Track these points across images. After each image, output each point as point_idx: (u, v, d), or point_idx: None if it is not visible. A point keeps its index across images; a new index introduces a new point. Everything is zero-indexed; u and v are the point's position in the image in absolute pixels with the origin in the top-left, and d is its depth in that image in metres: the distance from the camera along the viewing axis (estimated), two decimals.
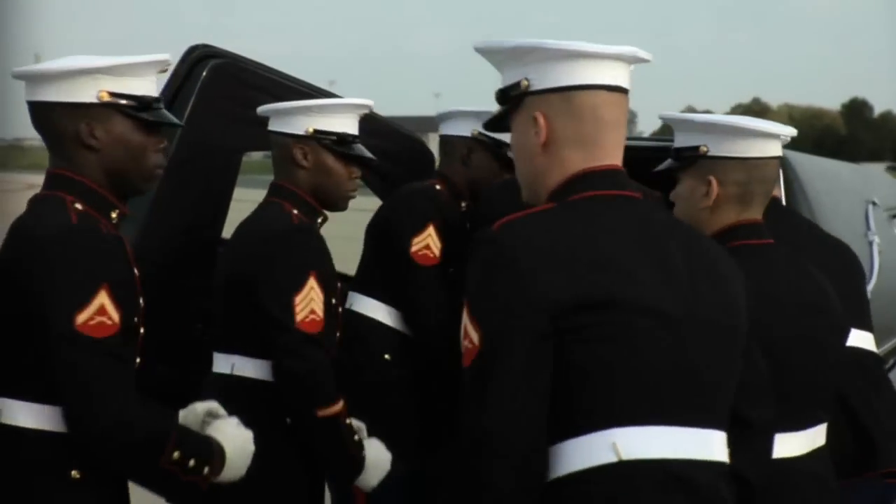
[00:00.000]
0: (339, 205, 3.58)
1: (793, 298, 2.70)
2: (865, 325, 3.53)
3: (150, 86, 2.77)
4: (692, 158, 2.79)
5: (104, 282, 2.57)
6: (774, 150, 2.79)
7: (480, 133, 4.08)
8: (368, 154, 3.56)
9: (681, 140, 2.83)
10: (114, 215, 2.74)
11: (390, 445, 3.60)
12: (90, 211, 2.69)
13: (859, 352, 3.49)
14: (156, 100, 2.76)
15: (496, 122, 2.26)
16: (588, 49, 2.09)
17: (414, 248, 3.95)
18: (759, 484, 2.25)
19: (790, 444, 2.65)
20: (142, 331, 2.75)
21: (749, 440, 2.22)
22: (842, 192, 4.75)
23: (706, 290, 2.08)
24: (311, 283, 3.29)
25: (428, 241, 3.97)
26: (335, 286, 3.46)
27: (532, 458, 1.96)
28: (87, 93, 2.69)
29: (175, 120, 2.91)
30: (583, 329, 1.95)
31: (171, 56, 2.88)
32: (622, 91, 2.13)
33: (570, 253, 1.98)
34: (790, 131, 2.99)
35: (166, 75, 3.50)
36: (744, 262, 2.59)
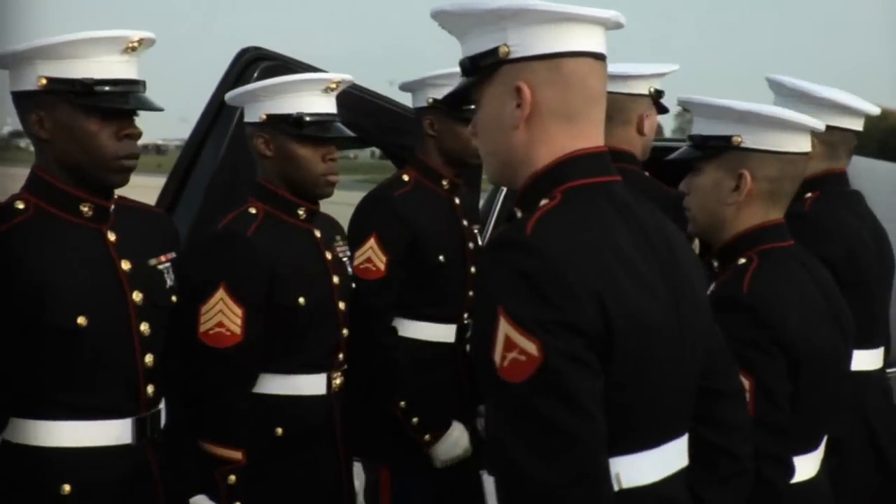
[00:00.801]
0: (318, 191, 3.27)
1: (824, 306, 2.55)
2: (885, 342, 3.44)
3: (100, 67, 2.48)
4: (720, 148, 2.58)
5: None
6: (808, 145, 2.60)
7: (435, 99, 3.72)
8: (347, 132, 3.27)
9: (707, 127, 2.61)
10: (84, 209, 2.57)
11: (409, 456, 3.58)
12: (48, 207, 2.53)
13: (879, 374, 3.40)
14: (107, 82, 2.49)
15: (460, 96, 2.05)
16: (578, 12, 1.92)
17: (356, 262, 3.62)
18: (745, 455, 2.14)
19: (806, 467, 2.52)
20: (143, 328, 2.64)
21: (722, 408, 2.11)
22: (893, 195, 4.70)
23: (688, 294, 1.98)
24: (221, 294, 3.07)
25: (369, 255, 3.64)
26: (301, 289, 3.23)
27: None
28: (29, 79, 2.48)
29: (129, 105, 2.55)
30: (615, 347, 1.82)
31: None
32: (604, 59, 1.98)
33: (600, 259, 1.84)
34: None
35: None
36: (777, 267, 2.53)
